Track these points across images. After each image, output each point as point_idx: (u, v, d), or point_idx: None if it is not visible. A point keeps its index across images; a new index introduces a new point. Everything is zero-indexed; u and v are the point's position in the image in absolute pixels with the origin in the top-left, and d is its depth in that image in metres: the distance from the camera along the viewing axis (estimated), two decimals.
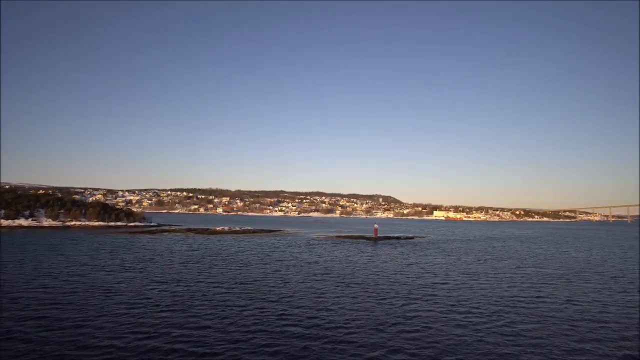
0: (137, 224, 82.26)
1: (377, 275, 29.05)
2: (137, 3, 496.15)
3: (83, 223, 75.06)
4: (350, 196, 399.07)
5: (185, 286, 23.49)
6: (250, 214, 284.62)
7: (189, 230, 73.35)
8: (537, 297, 22.67)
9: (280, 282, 25.49)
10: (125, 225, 78.73)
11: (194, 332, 15.19)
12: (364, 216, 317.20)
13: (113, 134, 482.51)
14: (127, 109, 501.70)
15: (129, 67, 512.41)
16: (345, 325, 16.21)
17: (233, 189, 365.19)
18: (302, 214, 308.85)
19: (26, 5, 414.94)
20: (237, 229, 76.52)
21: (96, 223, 76.21)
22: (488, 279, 28.28)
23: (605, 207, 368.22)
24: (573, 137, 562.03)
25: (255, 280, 25.74)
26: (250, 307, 18.94)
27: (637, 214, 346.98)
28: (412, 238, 71.43)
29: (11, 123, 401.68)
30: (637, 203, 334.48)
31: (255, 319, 16.97)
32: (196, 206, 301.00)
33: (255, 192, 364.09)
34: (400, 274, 30.08)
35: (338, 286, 24.46)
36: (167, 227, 78.50)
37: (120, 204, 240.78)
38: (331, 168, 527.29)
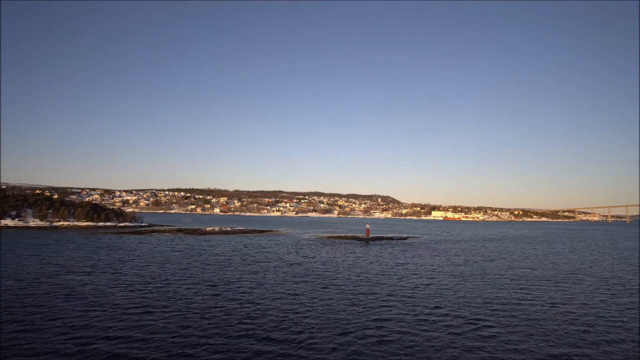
0: (127, 224, 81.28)
1: (359, 277, 28.09)
2: (137, 3, 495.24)
3: (71, 223, 74.07)
4: (349, 196, 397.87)
5: (153, 288, 22.54)
6: (247, 214, 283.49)
7: (179, 230, 72.34)
8: (522, 299, 21.72)
9: (255, 284, 24.52)
10: (115, 226, 77.72)
11: (146, 335, 14.24)
12: (362, 216, 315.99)
13: (112, 134, 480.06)
14: (125, 109, 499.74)
15: (129, 67, 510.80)
16: (309, 329, 15.26)
17: (231, 189, 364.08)
18: (300, 214, 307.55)
19: (26, 5, 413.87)
20: (228, 229, 75.55)
21: (84, 223, 75.18)
22: (474, 281, 27.33)
23: (604, 207, 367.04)
24: (573, 137, 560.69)
25: (229, 282, 24.79)
26: (214, 309, 17.98)
27: (637, 214, 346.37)
28: (405, 238, 70.47)
29: (11, 123, 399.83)
30: (637, 203, 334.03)
31: (216, 322, 16.01)
32: (193, 206, 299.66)
33: (254, 192, 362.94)
34: (384, 275, 29.11)
35: (315, 288, 23.51)
36: (157, 228, 77.49)
37: (117, 204, 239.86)
38: (330, 168, 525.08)
